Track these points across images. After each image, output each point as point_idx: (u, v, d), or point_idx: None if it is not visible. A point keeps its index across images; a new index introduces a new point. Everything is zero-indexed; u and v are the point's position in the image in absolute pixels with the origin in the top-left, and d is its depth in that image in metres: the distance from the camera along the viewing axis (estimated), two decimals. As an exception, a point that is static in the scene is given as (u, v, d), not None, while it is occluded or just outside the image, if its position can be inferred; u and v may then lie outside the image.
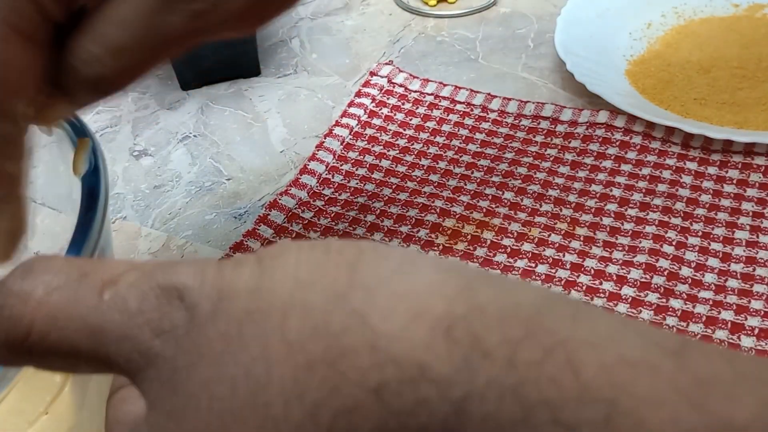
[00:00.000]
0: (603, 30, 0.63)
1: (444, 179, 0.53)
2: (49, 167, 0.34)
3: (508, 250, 0.48)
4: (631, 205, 0.49)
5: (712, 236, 0.47)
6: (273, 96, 0.63)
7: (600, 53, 0.61)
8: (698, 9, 0.66)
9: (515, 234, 0.48)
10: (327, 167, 0.55)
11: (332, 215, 0.51)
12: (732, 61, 0.60)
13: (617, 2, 0.65)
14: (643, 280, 0.45)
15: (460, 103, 0.59)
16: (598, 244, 0.47)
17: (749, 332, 0.41)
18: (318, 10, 0.73)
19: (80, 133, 0.34)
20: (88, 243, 0.28)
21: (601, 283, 0.45)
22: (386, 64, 0.64)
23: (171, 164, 0.58)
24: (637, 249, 0.46)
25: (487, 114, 0.58)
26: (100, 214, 0.29)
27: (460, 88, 0.61)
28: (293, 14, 0.73)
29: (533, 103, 0.58)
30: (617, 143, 0.54)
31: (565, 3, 0.65)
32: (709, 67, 0.59)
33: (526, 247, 0.48)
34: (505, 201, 0.51)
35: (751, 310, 0.42)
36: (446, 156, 0.55)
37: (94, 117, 0.63)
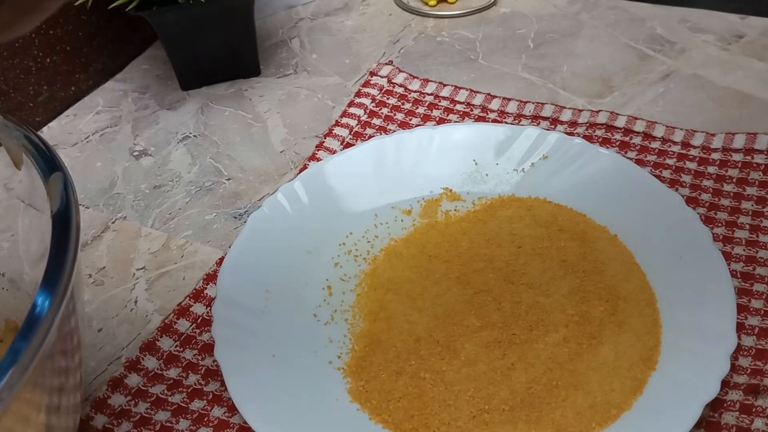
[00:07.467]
0: None
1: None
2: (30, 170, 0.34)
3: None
4: (631, 205, 0.49)
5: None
6: (273, 96, 0.63)
7: None
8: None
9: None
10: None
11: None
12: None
13: None
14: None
15: (460, 103, 0.59)
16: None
17: (749, 331, 0.41)
18: (318, 10, 0.73)
19: (52, 167, 0.33)
20: (59, 286, 0.28)
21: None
22: (386, 64, 0.64)
23: (171, 164, 0.58)
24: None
25: (487, 114, 0.58)
26: (69, 261, 0.29)
27: (460, 88, 0.61)
28: (293, 14, 0.73)
29: (533, 103, 0.58)
30: (617, 143, 0.54)
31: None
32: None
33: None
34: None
35: (751, 309, 0.42)
36: (446, 156, 0.55)
37: (94, 117, 0.63)
